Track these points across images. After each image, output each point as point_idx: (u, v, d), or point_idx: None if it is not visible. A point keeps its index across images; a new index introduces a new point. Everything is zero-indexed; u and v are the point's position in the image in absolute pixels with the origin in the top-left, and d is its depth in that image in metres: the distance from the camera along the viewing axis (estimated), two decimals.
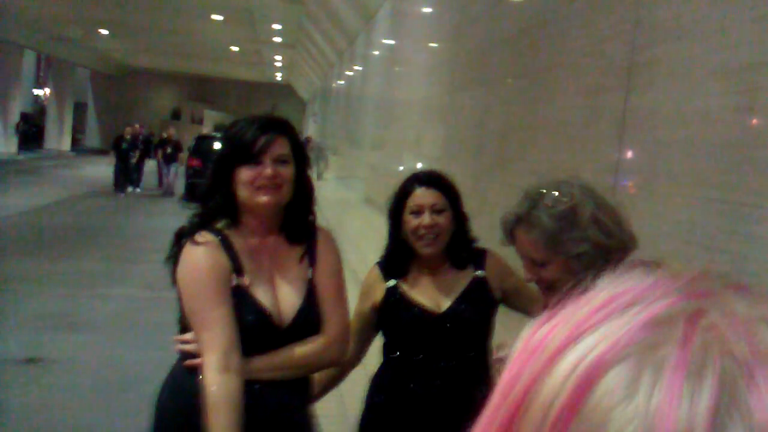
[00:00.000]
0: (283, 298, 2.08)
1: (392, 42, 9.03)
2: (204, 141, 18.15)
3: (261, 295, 2.04)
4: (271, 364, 2.03)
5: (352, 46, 13.75)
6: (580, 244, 1.61)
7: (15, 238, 10.52)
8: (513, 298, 2.43)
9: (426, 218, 2.30)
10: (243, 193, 2.02)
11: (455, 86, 5.24)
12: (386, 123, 8.65)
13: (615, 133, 2.62)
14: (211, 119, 35.16)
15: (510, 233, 1.74)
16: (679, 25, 2.26)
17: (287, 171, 2.05)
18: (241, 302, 2.00)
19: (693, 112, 2.16)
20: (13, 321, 6.35)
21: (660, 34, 2.41)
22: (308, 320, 2.08)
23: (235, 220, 2.08)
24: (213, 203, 2.08)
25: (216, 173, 2.08)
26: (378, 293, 2.40)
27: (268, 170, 1.99)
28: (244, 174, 2.00)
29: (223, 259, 2.01)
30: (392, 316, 2.38)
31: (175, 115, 36.80)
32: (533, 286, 2.43)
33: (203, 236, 2.02)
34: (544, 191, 1.69)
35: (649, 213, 2.29)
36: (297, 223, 2.16)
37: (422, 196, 2.33)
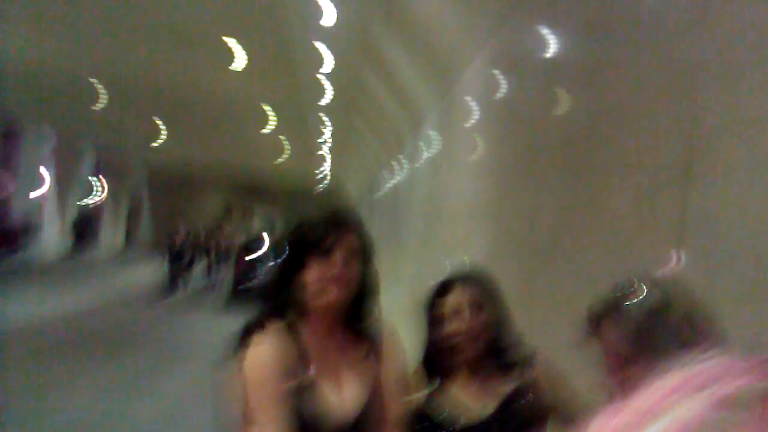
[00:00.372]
0: (349, 393, 2.02)
1: (440, 143, 9.08)
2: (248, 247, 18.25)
3: (327, 389, 1.99)
4: None
5: (401, 146, 13.91)
6: (671, 342, 1.47)
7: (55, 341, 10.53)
8: (560, 402, 2.26)
9: (464, 321, 2.25)
10: (312, 287, 2.00)
11: (503, 186, 5.18)
12: (432, 223, 8.60)
13: (673, 237, 2.48)
14: (262, 214, 35.64)
15: (596, 324, 1.60)
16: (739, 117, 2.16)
17: (356, 266, 2.04)
18: (306, 396, 1.95)
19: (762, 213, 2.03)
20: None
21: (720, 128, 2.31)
22: (372, 416, 2.02)
23: (303, 314, 2.05)
24: (281, 296, 2.05)
25: (285, 267, 2.06)
26: (419, 394, 2.29)
27: (337, 268, 1.99)
28: (315, 268, 1.99)
29: (290, 347, 1.99)
30: (433, 418, 2.24)
31: (228, 211, 37.39)
32: (577, 392, 2.29)
33: (272, 323, 2.01)
34: (636, 283, 1.58)
35: None
36: (363, 319, 2.12)
37: (460, 294, 2.28)
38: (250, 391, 1.92)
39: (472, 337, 2.22)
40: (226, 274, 18.44)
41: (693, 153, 2.44)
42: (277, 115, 18.69)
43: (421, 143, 10.93)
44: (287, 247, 2.08)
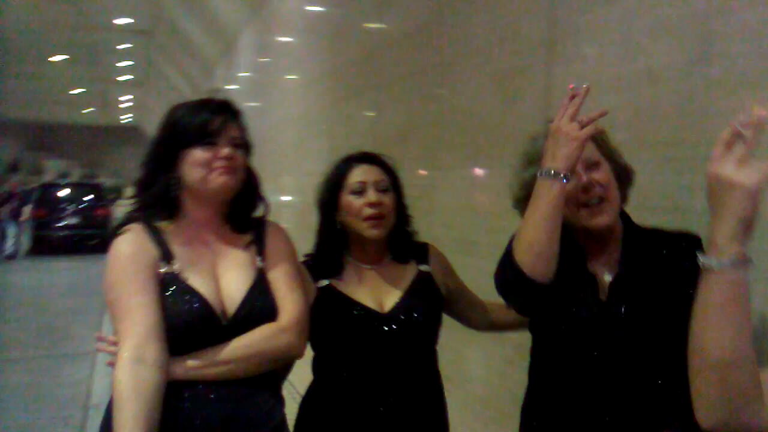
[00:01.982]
0: (226, 286, 1.84)
1: (258, 66, 8.79)
2: (49, 190, 17.12)
3: (198, 283, 1.80)
4: (211, 358, 1.76)
5: (210, 79, 13.34)
6: (619, 157, 1.75)
7: None
8: (454, 298, 2.23)
9: (371, 195, 2.07)
10: (194, 175, 1.82)
11: (338, 96, 5.08)
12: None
13: (539, 112, 2.53)
14: (54, 168, 33.19)
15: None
16: None
17: (242, 155, 1.88)
18: (174, 291, 1.77)
19: (631, 74, 2.10)
20: None
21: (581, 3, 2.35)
22: (256, 310, 1.83)
23: (174, 210, 1.87)
24: (151, 193, 1.86)
25: (155, 159, 1.87)
26: (308, 295, 2.06)
27: (226, 150, 1.82)
28: (198, 155, 1.82)
29: (147, 246, 1.80)
30: (325, 321, 2.06)
31: (13, 169, 34.40)
32: (474, 294, 2.30)
33: (129, 226, 1.83)
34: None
35: None
36: (244, 213, 1.96)
37: (365, 172, 2.11)
38: (108, 293, 1.76)
39: (380, 216, 2.06)
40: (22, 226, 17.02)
41: (555, 28, 2.47)
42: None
43: (236, 69, 10.53)
44: (159, 140, 1.89)
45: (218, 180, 1.83)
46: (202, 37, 12.36)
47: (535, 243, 1.59)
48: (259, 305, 1.84)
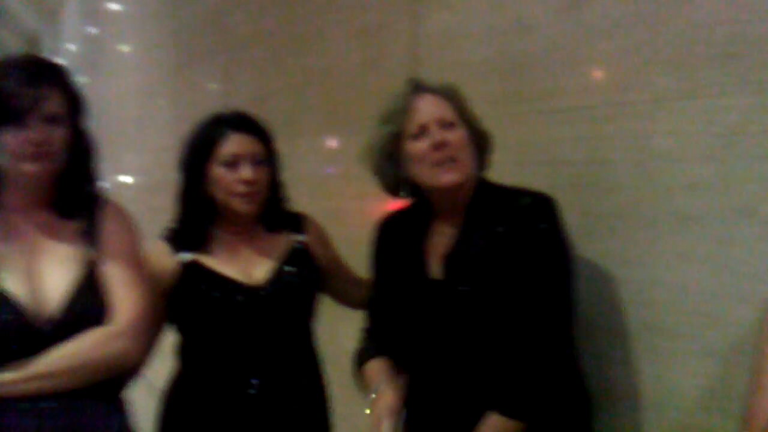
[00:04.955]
0: (46, 285, 1.57)
1: (86, 38, 8.17)
2: None
3: (12, 283, 1.54)
4: (28, 372, 1.50)
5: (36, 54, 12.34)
6: (474, 121, 1.73)
7: None
8: (332, 273, 2.08)
9: (247, 171, 1.84)
10: (3, 161, 1.56)
11: (182, 63, 4.76)
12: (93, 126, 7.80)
13: (405, 69, 2.42)
14: None
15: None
16: None
17: (60, 133, 1.59)
18: None
19: (501, 24, 2.03)
20: None
21: None
22: (81, 313, 1.57)
23: None
24: None
25: None
26: (168, 273, 1.88)
27: (36, 134, 1.54)
28: (6, 139, 1.53)
29: None
30: (190, 300, 1.88)
31: None
32: (351, 269, 2.17)
33: None
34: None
35: None
36: (72, 195, 1.66)
37: (240, 143, 1.86)
38: None
39: (254, 192, 1.87)
40: None
41: None
42: None
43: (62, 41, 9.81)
44: None
45: (27, 168, 1.55)
46: (20, 6, 11.37)
47: None
48: (84, 307, 1.58)
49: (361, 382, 1.84)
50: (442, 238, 1.74)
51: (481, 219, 1.69)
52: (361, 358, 1.87)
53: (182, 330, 1.95)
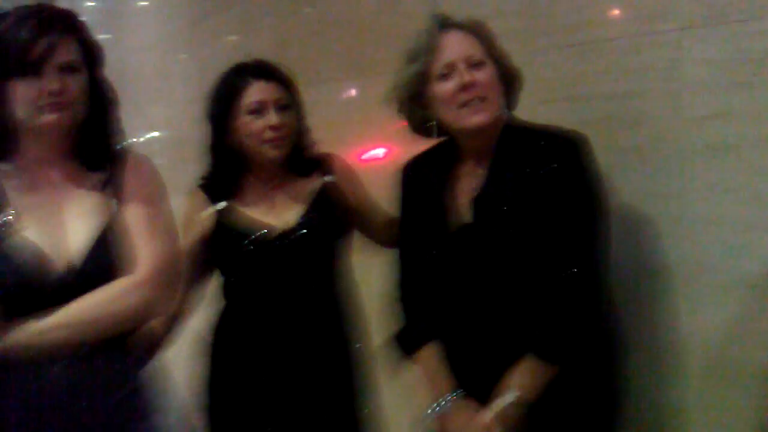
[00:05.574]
0: (68, 235, 1.56)
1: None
2: None
3: (34, 233, 1.52)
4: (48, 322, 1.49)
5: None
6: (503, 58, 1.66)
7: None
8: (362, 210, 2.08)
9: (273, 117, 1.87)
10: (20, 113, 1.51)
11: (200, 15, 4.72)
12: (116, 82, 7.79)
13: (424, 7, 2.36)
14: None
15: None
16: None
17: (77, 82, 1.54)
18: (7, 244, 1.50)
19: None
20: None
21: None
22: (103, 261, 1.55)
23: (7, 149, 1.57)
24: None
25: None
26: (205, 221, 1.94)
27: (53, 84, 1.49)
28: (22, 90, 1.49)
29: None
30: (229, 244, 1.93)
31: None
32: (383, 208, 2.17)
33: None
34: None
35: None
36: (94, 146, 1.64)
37: (263, 90, 1.89)
38: None
39: (281, 138, 1.90)
40: None
41: None
42: None
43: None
44: None
45: (46, 119, 1.51)
46: None
47: None
48: (105, 257, 1.56)
49: (415, 371, 1.78)
50: (470, 181, 1.69)
51: (510, 160, 1.63)
52: (409, 342, 1.78)
53: (223, 272, 2.01)
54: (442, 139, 1.76)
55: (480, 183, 1.66)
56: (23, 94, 1.50)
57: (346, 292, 2.09)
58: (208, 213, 1.95)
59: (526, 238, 1.59)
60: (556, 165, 1.56)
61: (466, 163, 1.72)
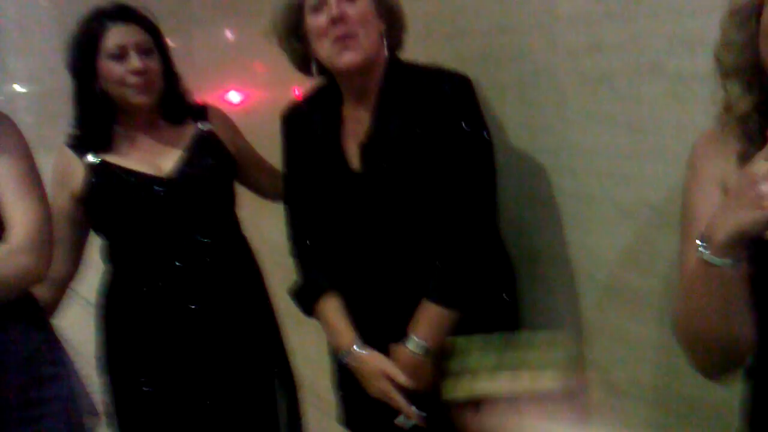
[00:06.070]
0: None
1: None
2: None
3: None
4: None
5: None
6: None
7: None
8: (243, 161, 2.05)
9: (134, 61, 1.80)
10: None
11: None
12: None
13: None
14: None
15: None
16: None
17: None
18: None
19: None
20: None
21: None
22: None
23: None
24: None
25: None
26: (77, 177, 1.86)
27: None
28: None
29: None
30: (103, 199, 1.86)
31: None
32: (265, 160, 2.11)
33: None
34: None
35: None
36: None
37: (123, 34, 1.82)
38: None
39: (146, 82, 1.82)
40: None
41: None
42: None
43: None
44: None
45: None
46: None
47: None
48: None
49: (321, 324, 1.75)
50: (356, 125, 1.64)
51: (395, 102, 1.58)
52: (307, 297, 1.75)
53: (104, 233, 1.94)
54: (322, 80, 1.70)
55: (366, 128, 1.61)
56: None
57: (240, 241, 2.06)
58: (79, 167, 1.86)
59: (416, 183, 1.57)
60: (442, 106, 1.53)
61: (350, 105, 1.66)
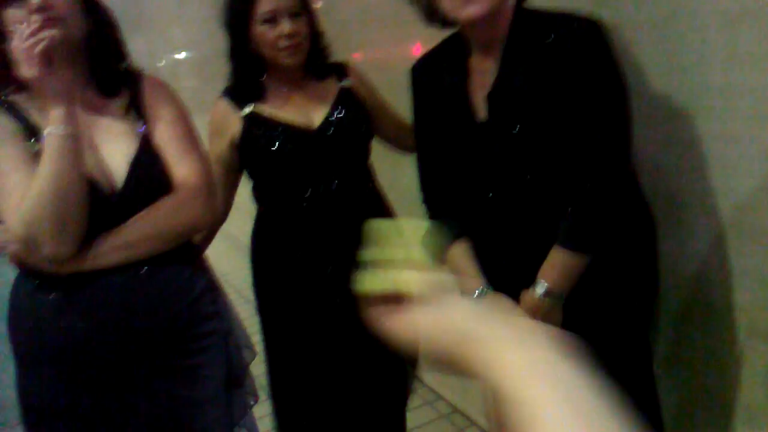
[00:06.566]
0: (108, 158, 1.63)
1: None
2: None
3: None
4: (110, 243, 1.58)
5: None
6: None
7: None
8: (379, 116, 2.16)
9: (286, 26, 1.93)
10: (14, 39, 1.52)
11: None
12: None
13: None
14: None
15: None
16: None
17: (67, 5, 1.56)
18: None
19: None
20: None
21: None
22: (147, 178, 1.64)
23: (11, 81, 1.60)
24: None
25: None
26: (233, 126, 2.01)
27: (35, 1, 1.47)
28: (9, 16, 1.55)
29: (8, 125, 1.57)
30: (257, 146, 2.00)
31: None
32: (400, 115, 2.19)
33: None
34: None
35: None
36: (106, 70, 1.70)
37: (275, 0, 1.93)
38: None
39: (296, 45, 1.96)
40: None
41: None
42: None
43: None
44: None
45: (42, 45, 1.44)
46: None
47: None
48: (147, 177, 1.64)
49: (449, 269, 1.71)
50: (483, 75, 1.62)
51: (522, 50, 1.54)
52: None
53: (254, 176, 2.11)
54: (451, 31, 1.71)
55: (493, 78, 1.59)
56: (11, 18, 1.52)
57: (380, 191, 2.18)
58: (235, 117, 2.01)
59: (542, 133, 1.55)
60: (572, 51, 1.48)
61: (477, 56, 1.65)
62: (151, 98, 1.72)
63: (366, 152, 2.13)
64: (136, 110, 1.70)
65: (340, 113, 2.04)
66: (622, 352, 1.64)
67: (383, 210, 2.18)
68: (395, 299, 0.72)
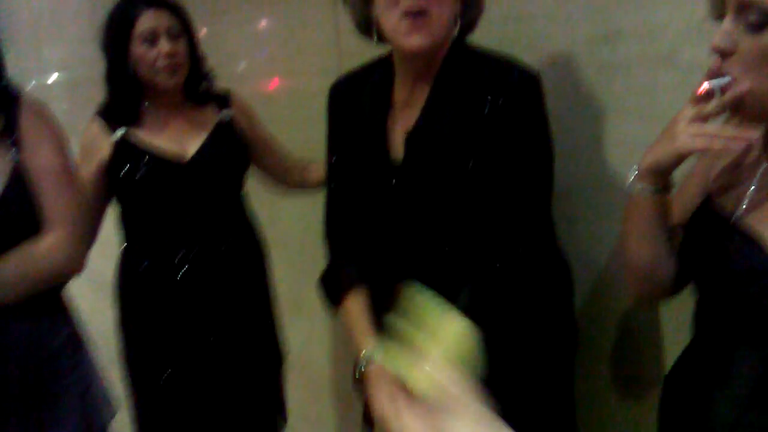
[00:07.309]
0: None
1: None
2: None
3: None
4: None
5: None
6: None
7: None
8: (260, 150, 2.14)
9: (165, 46, 1.91)
10: None
11: None
12: None
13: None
14: None
15: None
16: None
17: None
18: None
19: None
20: None
21: None
22: (15, 216, 1.52)
23: None
24: None
25: None
26: (103, 150, 1.95)
27: None
28: None
29: None
30: (122, 174, 1.94)
31: None
32: (284, 149, 2.18)
33: None
34: None
35: None
36: None
37: (155, 18, 1.92)
38: None
39: (175, 66, 1.94)
40: None
41: None
42: None
43: None
44: None
45: None
46: None
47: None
48: (16, 212, 1.52)
49: (342, 321, 1.61)
50: (406, 112, 1.47)
51: (453, 91, 1.41)
52: (335, 287, 1.61)
53: (122, 201, 2.03)
54: (378, 55, 1.57)
55: (416, 115, 1.45)
56: None
57: (251, 225, 2.15)
58: (106, 141, 1.95)
59: (459, 182, 1.41)
60: (503, 107, 1.37)
61: (404, 87, 1.48)
62: (29, 123, 1.59)
63: (239, 185, 2.10)
64: (10, 134, 1.56)
65: (215, 143, 2.01)
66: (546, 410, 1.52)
67: (255, 243, 2.15)
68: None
